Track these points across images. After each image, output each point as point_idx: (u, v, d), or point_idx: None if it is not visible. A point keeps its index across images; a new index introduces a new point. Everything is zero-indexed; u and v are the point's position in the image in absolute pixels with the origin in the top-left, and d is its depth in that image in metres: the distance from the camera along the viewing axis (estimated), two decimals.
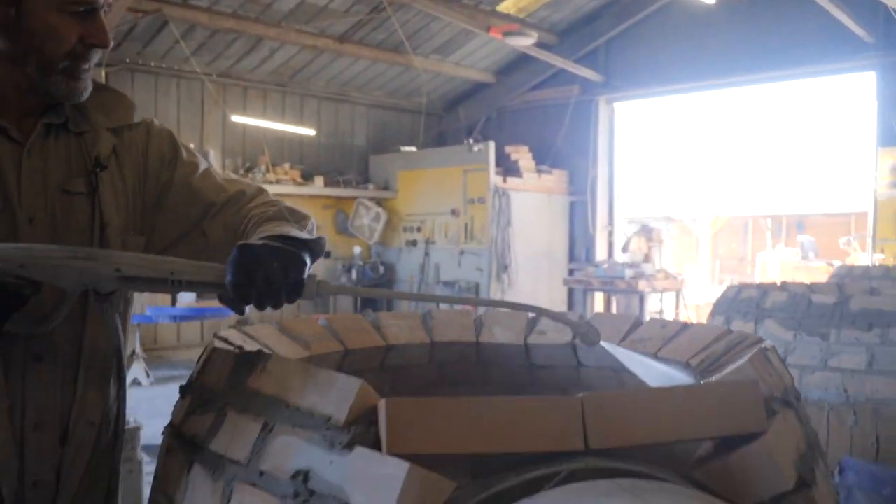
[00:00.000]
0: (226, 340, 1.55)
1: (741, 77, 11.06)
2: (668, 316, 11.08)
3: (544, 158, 12.80)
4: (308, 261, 1.37)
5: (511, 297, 11.72)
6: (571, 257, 12.92)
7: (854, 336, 2.96)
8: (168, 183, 1.60)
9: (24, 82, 1.40)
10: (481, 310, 2.13)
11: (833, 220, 17.19)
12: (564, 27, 12.46)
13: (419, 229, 12.73)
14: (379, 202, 12.97)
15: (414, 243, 12.81)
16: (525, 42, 11.13)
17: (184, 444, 1.33)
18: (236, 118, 11.43)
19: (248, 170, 11.49)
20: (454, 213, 12.24)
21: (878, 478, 2.78)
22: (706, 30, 11.13)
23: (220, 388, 1.31)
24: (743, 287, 3.62)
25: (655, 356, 1.79)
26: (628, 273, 10.58)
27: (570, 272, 12.56)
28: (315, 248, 1.40)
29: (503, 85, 13.54)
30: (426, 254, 12.59)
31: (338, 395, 1.12)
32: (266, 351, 1.37)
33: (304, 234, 1.41)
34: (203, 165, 1.66)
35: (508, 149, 12.46)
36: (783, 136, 16.80)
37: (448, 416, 1.08)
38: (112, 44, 1.45)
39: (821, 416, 3.16)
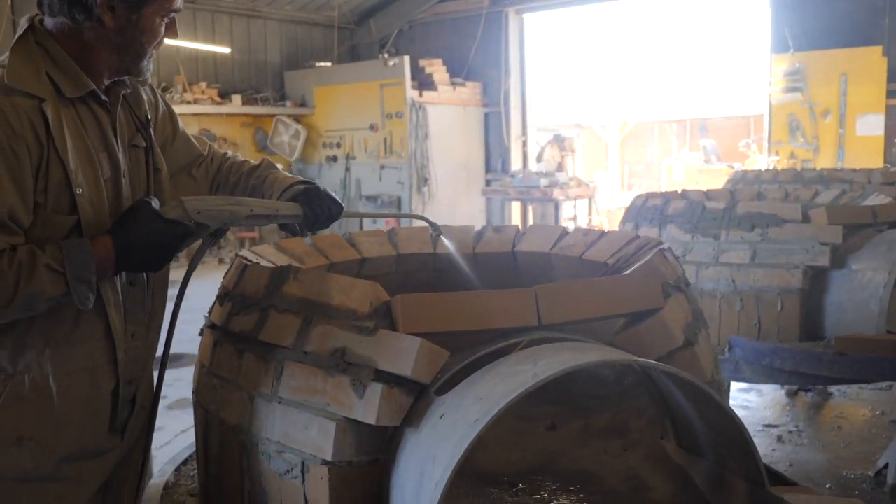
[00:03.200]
0: (244, 258, 1.94)
1: None
2: (582, 222, 11.71)
3: (458, 71, 13.07)
4: None
5: (431, 208, 12.15)
6: (488, 168, 13.37)
7: (739, 235, 3.52)
8: (172, 133, 2.00)
9: (116, 65, 1.73)
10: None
11: (733, 123, 18.02)
12: None
13: (339, 145, 12.93)
14: (297, 119, 13.07)
15: (334, 159, 13.02)
16: None
17: (232, 338, 1.72)
18: None
19: (164, 90, 11.38)
20: (373, 128, 12.47)
21: (759, 351, 3.38)
22: None
23: (259, 294, 1.70)
24: (649, 196, 4.15)
25: (580, 258, 2.25)
26: (543, 182, 11.09)
27: (488, 182, 13.03)
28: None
29: None
30: (347, 169, 12.84)
31: (359, 294, 1.53)
32: (294, 264, 1.77)
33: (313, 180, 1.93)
34: None
35: (423, 62, 12.66)
36: (684, 43, 17.44)
37: (441, 305, 1.50)
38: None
39: (713, 303, 3.73)
